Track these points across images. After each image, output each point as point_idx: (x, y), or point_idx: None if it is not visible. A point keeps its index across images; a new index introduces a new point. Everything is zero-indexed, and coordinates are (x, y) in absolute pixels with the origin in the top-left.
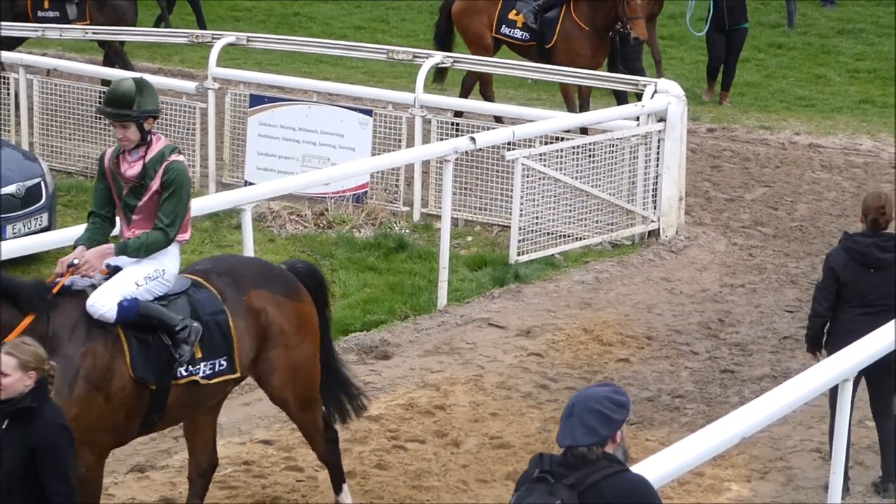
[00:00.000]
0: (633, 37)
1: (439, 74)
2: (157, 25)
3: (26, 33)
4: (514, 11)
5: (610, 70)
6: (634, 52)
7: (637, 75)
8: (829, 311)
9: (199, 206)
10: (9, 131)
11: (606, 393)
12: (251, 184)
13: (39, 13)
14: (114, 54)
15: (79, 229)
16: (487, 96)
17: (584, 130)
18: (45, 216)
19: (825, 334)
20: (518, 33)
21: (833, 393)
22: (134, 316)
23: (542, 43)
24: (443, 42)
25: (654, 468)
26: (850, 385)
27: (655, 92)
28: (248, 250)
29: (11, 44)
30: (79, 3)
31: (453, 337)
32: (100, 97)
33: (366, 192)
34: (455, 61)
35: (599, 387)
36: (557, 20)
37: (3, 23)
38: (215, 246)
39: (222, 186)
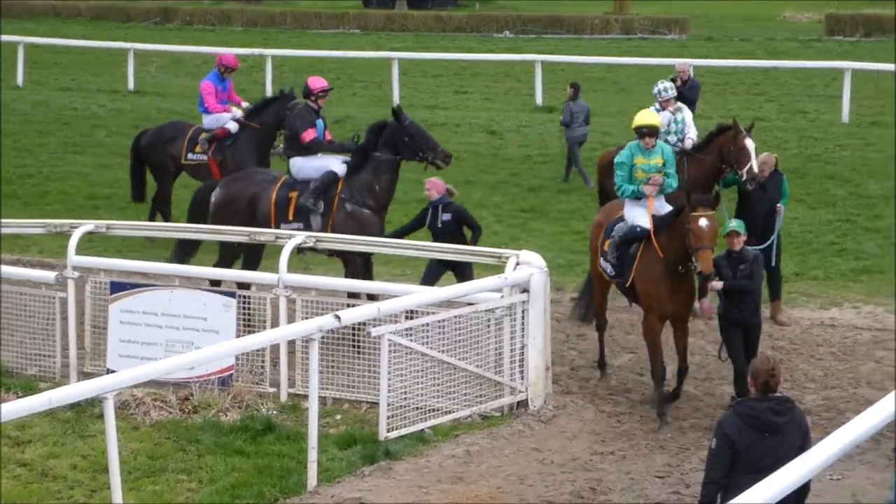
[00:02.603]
0: (698, 271)
1: None
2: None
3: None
4: (608, 242)
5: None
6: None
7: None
8: (725, 479)
9: (61, 396)
10: None
11: None
12: (113, 372)
13: (283, 225)
14: (354, 270)
15: None
16: None
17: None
18: None
19: (719, 501)
20: (609, 268)
21: None
22: None
23: (623, 282)
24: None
25: None
26: None
27: (518, 264)
28: (111, 440)
29: (253, 249)
30: (323, 214)
31: None
32: None
33: (231, 374)
34: (318, 241)
35: None
36: (635, 257)
37: (246, 228)
38: (78, 437)
39: (84, 376)
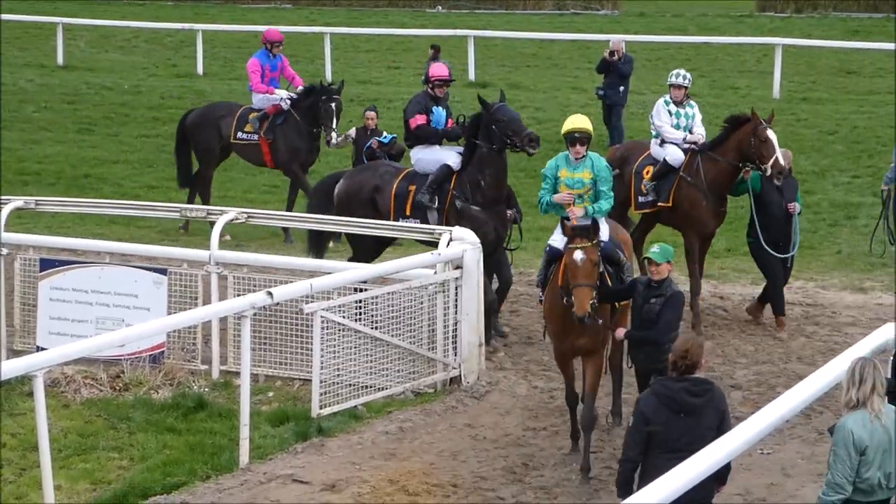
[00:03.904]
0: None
1: None
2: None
3: (389, 233)
4: None
5: None
6: None
7: None
8: (640, 456)
9: None
10: None
11: None
12: (43, 349)
13: (401, 220)
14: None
15: None
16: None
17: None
18: None
19: (637, 479)
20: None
21: None
22: None
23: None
24: None
25: None
26: None
27: (451, 240)
28: (41, 418)
29: (376, 245)
30: (439, 210)
31: (256, 495)
32: None
33: (163, 352)
34: (249, 216)
35: None
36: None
37: (368, 220)
38: (7, 415)
39: (13, 353)
